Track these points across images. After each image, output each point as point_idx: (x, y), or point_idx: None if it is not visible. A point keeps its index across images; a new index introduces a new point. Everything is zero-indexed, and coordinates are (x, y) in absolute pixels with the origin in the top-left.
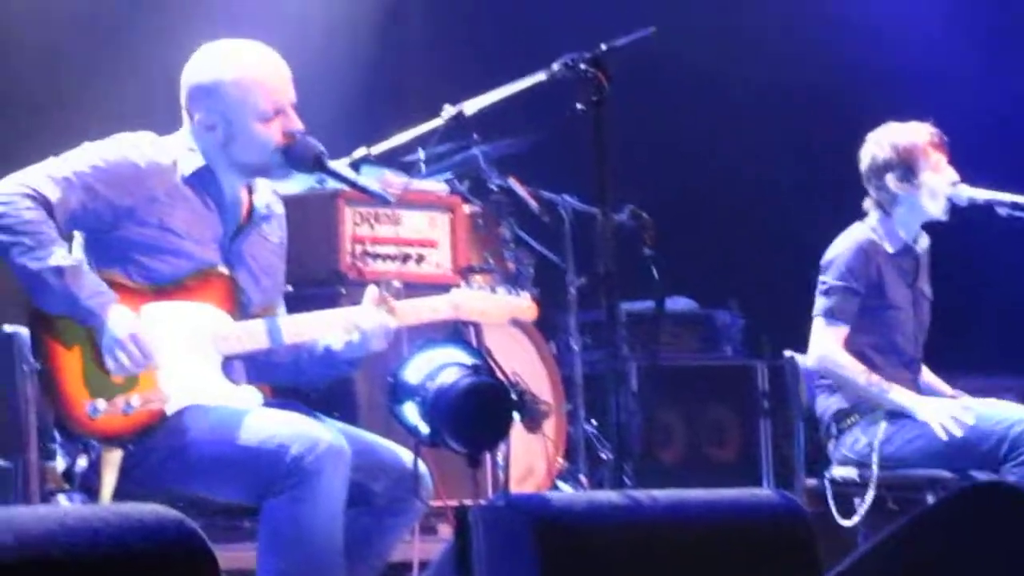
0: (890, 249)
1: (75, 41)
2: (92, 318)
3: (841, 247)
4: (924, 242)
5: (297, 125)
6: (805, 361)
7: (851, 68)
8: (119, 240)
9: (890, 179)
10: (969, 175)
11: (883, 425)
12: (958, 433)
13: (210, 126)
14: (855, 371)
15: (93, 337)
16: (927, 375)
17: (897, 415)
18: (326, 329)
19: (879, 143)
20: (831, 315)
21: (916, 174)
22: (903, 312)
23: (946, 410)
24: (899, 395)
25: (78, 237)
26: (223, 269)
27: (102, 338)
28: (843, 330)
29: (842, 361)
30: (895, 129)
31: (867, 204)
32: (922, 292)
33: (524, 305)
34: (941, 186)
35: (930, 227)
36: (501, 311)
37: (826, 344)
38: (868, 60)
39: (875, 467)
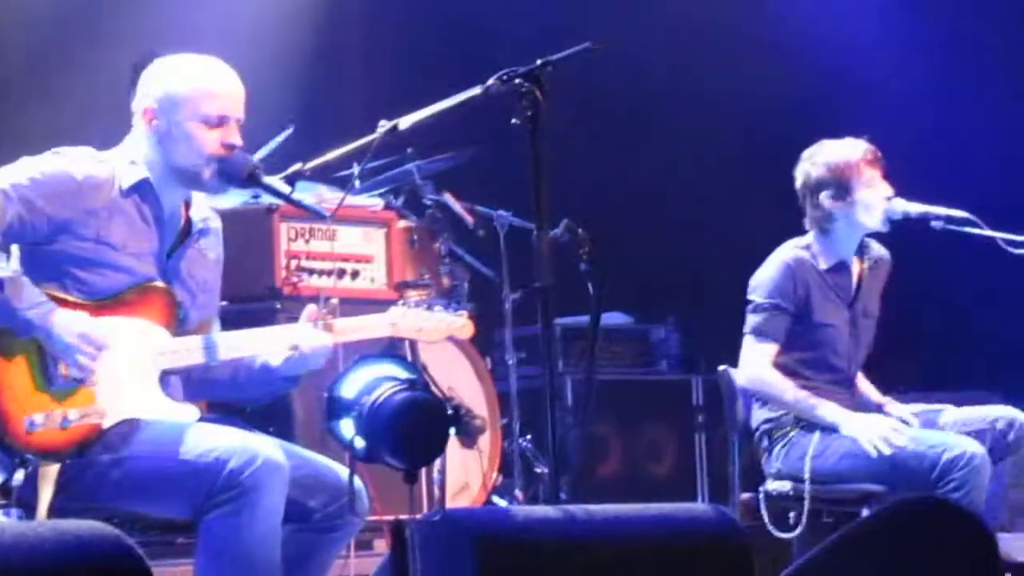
0: (823, 266)
1: (16, 54)
2: (33, 329)
3: (767, 268)
4: (872, 256)
5: (237, 140)
6: (737, 377)
7: (792, 83)
8: (56, 254)
9: (824, 197)
10: (908, 188)
11: (815, 439)
12: (886, 451)
13: (153, 118)
14: (782, 387)
15: (35, 348)
16: (864, 386)
17: (828, 429)
18: (263, 346)
19: (812, 162)
20: (759, 333)
21: (850, 192)
22: (835, 329)
23: (876, 428)
24: (827, 410)
25: (15, 251)
26: (161, 283)
27: (52, 346)
28: (772, 347)
29: (769, 378)
30: (828, 147)
31: (807, 222)
32: (863, 310)
33: (460, 323)
34: (875, 201)
35: (883, 243)
36: (438, 329)
37: (755, 361)
38: (810, 75)
39: (807, 480)
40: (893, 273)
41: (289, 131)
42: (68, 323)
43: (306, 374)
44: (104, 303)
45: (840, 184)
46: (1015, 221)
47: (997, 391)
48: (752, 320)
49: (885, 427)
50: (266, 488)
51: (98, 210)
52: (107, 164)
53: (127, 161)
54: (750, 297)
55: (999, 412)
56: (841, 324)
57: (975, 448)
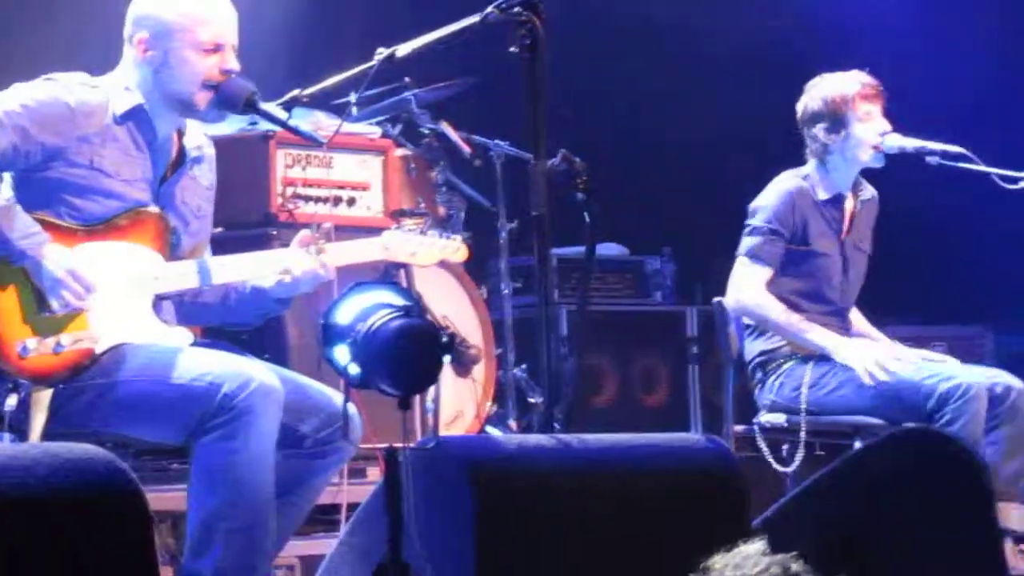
0: (821, 197)
1: None
2: (25, 259)
3: (769, 193)
4: (867, 195)
5: (234, 65)
6: (726, 298)
7: (794, 19)
8: (50, 180)
9: (819, 130)
10: (911, 128)
11: (808, 369)
12: (883, 378)
13: (147, 48)
14: (774, 310)
15: (25, 277)
16: (859, 322)
17: (823, 359)
18: (256, 270)
19: (811, 94)
20: (754, 255)
21: (845, 125)
22: (830, 260)
23: (871, 354)
24: (818, 335)
25: (7, 178)
26: (154, 208)
27: (40, 278)
28: (765, 271)
29: (761, 300)
30: (827, 80)
31: (807, 153)
32: (856, 244)
33: (454, 246)
34: (869, 136)
35: (871, 180)
36: (431, 253)
37: (747, 283)
38: (811, 12)
39: (803, 411)
40: (884, 209)
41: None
42: (58, 257)
43: (300, 301)
44: (96, 228)
45: (835, 117)
46: (1009, 158)
47: (989, 325)
48: (748, 242)
49: (882, 353)
50: (260, 412)
51: (91, 136)
52: (100, 90)
53: (121, 87)
54: (748, 221)
55: (998, 375)
56: (835, 255)
57: (973, 378)
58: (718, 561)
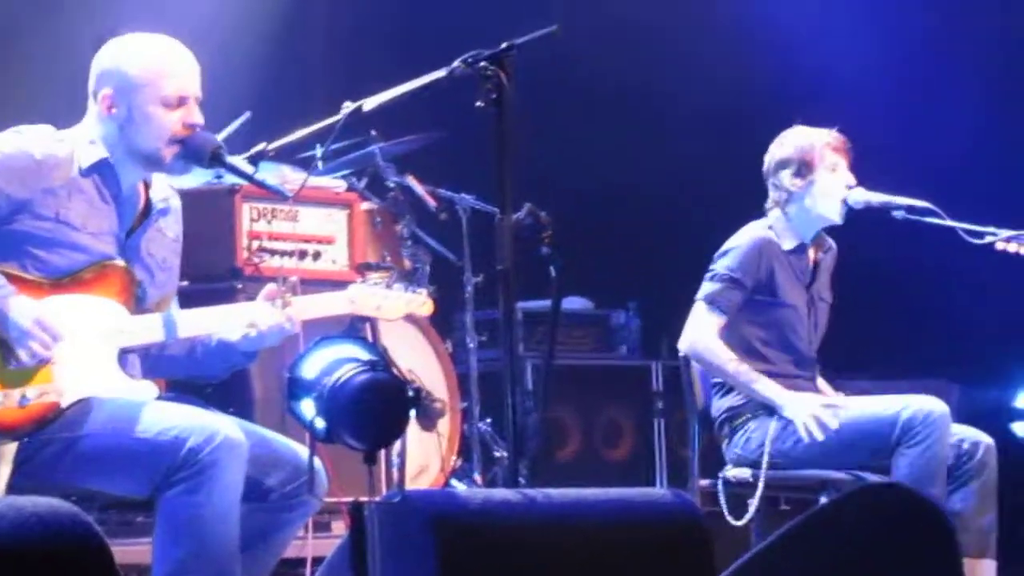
0: (786, 247)
1: None
2: None
3: (737, 241)
4: (826, 245)
5: (198, 119)
6: (680, 342)
7: (756, 72)
8: (15, 233)
9: (785, 176)
10: (876, 184)
11: (773, 424)
12: (819, 436)
13: (111, 104)
14: (724, 358)
15: None
16: (819, 381)
17: None
18: (222, 324)
19: (781, 142)
20: (711, 302)
21: (811, 171)
22: (797, 311)
23: (809, 409)
24: (765, 387)
25: None
26: (119, 262)
27: (7, 329)
28: (720, 319)
29: (713, 347)
30: (799, 130)
31: (768, 203)
32: (819, 295)
33: (420, 300)
34: (834, 188)
35: (831, 232)
36: (397, 306)
37: (701, 328)
38: (778, 69)
39: (764, 465)
40: (851, 260)
41: (246, 116)
42: (24, 309)
43: (266, 354)
44: (62, 281)
45: (802, 163)
46: (976, 212)
47: (954, 379)
48: (707, 288)
49: (818, 407)
50: (225, 466)
51: (57, 189)
52: (66, 143)
53: (86, 140)
54: (712, 266)
55: (965, 432)
56: (801, 305)
57: (933, 404)
58: None
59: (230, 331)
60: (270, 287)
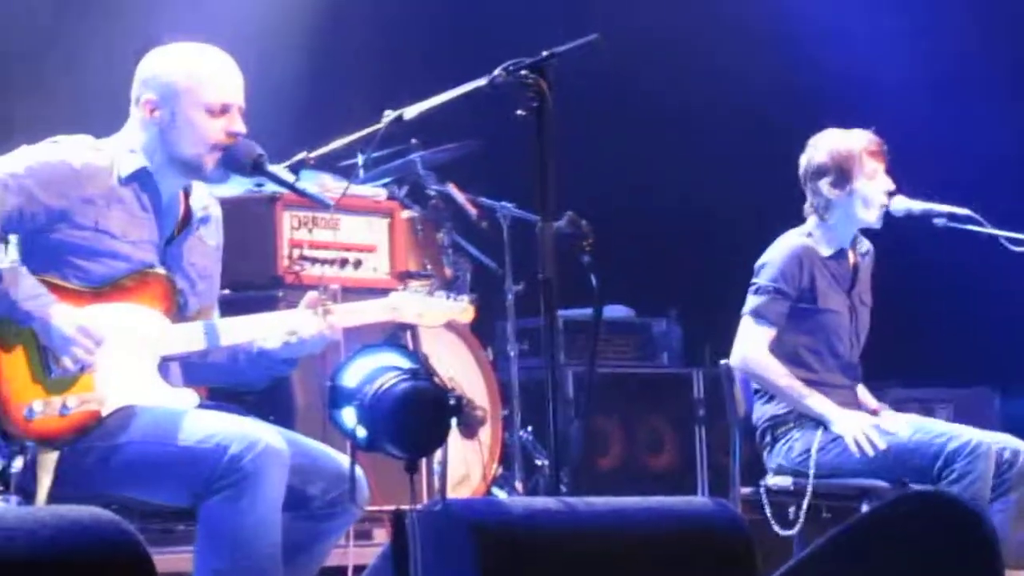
0: (825, 253)
1: (12, 42)
2: (31, 320)
3: (775, 251)
4: (864, 248)
5: (240, 128)
6: (731, 357)
7: (793, 75)
8: (55, 242)
9: (824, 184)
10: (910, 184)
11: (819, 434)
12: (870, 452)
13: (154, 108)
14: (776, 373)
15: (32, 338)
16: (859, 389)
17: None
18: (263, 332)
19: (816, 148)
20: (758, 315)
21: (850, 180)
22: (839, 316)
23: (861, 426)
24: (817, 403)
25: (13, 240)
26: (160, 270)
27: (49, 338)
28: (769, 331)
29: (764, 361)
30: (834, 135)
31: (806, 209)
32: (860, 299)
33: (461, 307)
34: (874, 195)
35: (871, 237)
36: (439, 314)
37: (751, 343)
38: (812, 68)
39: (811, 475)
40: (892, 266)
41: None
42: (66, 316)
43: (307, 362)
44: (102, 290)
45: (840, 172)
46: (1015, 219)
47: (995, 387)
48: (752, 301)
49: (868, 426)
50: (267, 474)
51: (96, 198)
52: (105, 152)
53: (126, 149)
54: (754, 280)
55: (1005, 440)
56: (843, 310)
57: (979, 436)
58: None
59: (271, 339)
60: (311, 295)
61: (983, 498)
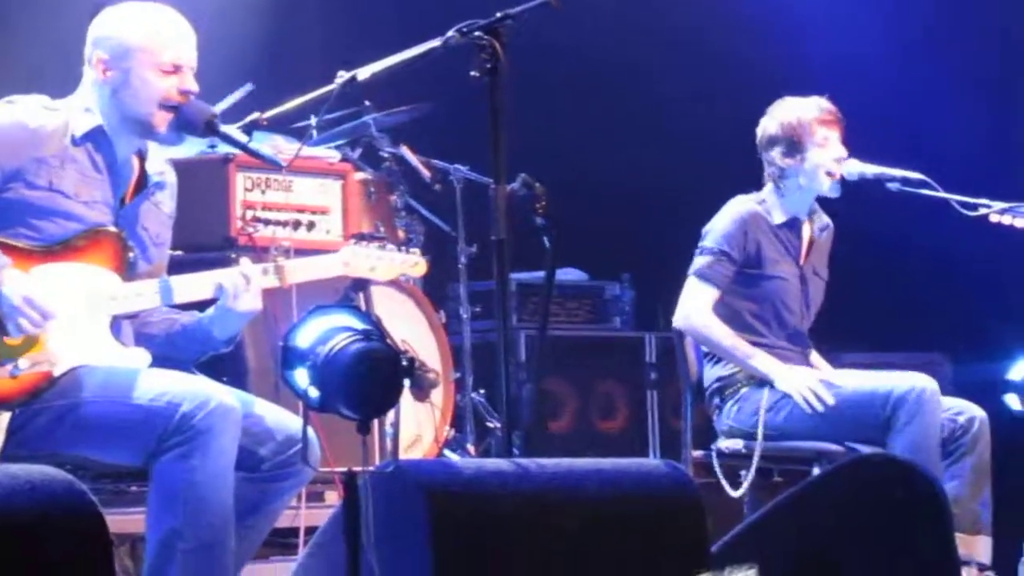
0: (777, 220)
1: None
2: None
3: (722, 215)
4: (823, 222)
5: (193, 86)
6: (675, 318)
7: (755, 45)
8: (9, 201)
9: (776, 154)
10: (866, 151)
11: (766, 393)
12: (819, 407)
13: (106, 68)
14: (720, 333)
15: None
16: (814, 357)
17: None
18: (216, 289)
19: (769, 117)
20: (702, 276)
21: (801, 150)
22: (787, 284)
23: (805, 381)
24: (761, 362)
25: None
26: (112, 228)
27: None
28: (713, 292)
29: (708, 321)
30: (787, 104)
31: (764, 177)
32: (813, 270)
33: (413, 260)
34: (825, 162)
35: (824, 203)
36: (390, 267)
37: (695, 303)
38: (771, 39)
39: (760, 436)
40: (845, 233)
41: (248, 88)
42: (16, 284)
43: (260, 323)
44: (54, 249)
45: (792, 141)
46: (970, 186)
47: (947, 353)
48: (698, 263)
49: (814, 381)
50: (219, 431)
51: (50, 158)
52: (60, 113)
53: (81, 109)
54: (701, 242)
55: (959, 405)
56: (792, 279)
57: (923, 381)
58: None
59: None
60: (245, 261)
61: (934, 444)
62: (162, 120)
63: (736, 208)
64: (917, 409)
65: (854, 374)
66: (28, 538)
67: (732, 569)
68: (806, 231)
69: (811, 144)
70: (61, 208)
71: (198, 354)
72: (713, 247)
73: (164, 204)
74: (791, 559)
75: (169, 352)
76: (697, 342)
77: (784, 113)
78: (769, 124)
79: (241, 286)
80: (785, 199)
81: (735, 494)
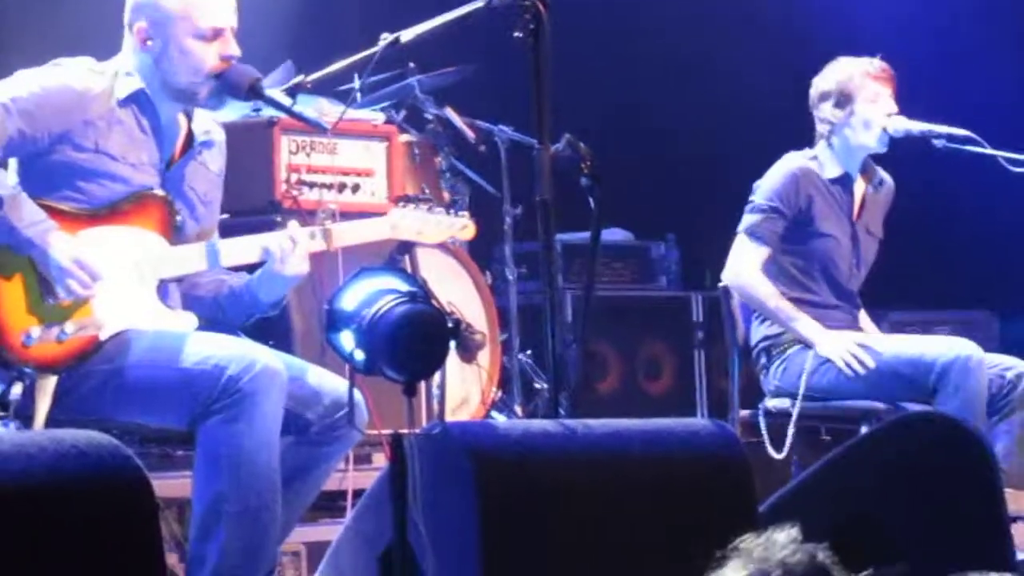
0: (828, 176)
1: None
2: (32, 248)
3: (774, 171)
4: (879, 179)
5: (235, 51)
6: (724, 274)
7: (803, 5)
8: (55, 164)
9: (826, 107)
10: (913, 109)
11: (810, 355)
12: (860, 370)
13: (147, 38)
14: (766, 293)
15: (30, 266)
16: (863, 319)
17: None
18: (263, 253)
19: (824, 74)
20: (752, 233)
21: (851, 102)
22: (838, 241)
23: (846, 346)
24: (803, 326)
25: (13, 163)
26: (159, 192)
27: (47, 267)
28: (763, 250)
29: (755, 280)
30: (841, 62)
31: (816, 135)
32: (866, 228)
33: (462, 224)
34: (875, 116)
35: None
36: (438, 230)
37: (744, 261)
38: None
39: (800, 397)
40: (896, 196)
41: (288, 66)
42: (64, 246)
43: (306, 287)
44: (101, 212)
45: (842, 94)
46: (1017, 142)
47: (995, 310)
48: (748, 220)
49: (854, 346)
50: (265, 394)
51: (96, 120)
52: (105, 75)
53: (123, 72)
54: (752, 198)
55: (1007, 362)
56: (842, 236)
57: (970, 349)
58: (748, 541)
59: (273, 260)
60: (293, 223)
61: (980, 411)
62: (205, 89)
63: (788, 164)
64: (963, 377)
65: (896, 339)
66: (76, 503)
67: (774, 528)
68: (859, 188)
69: (862, 98)
70: (108, 170)
71: (245, 317)
72: (763, 204)
73: (212, 163)
74: (834, 520)
75: (217, 315)
76: (744, 299)
77: (838, 69)
78: (822, 80)
79: (288, 249)
80: (836, 154)
81: (777, 456)
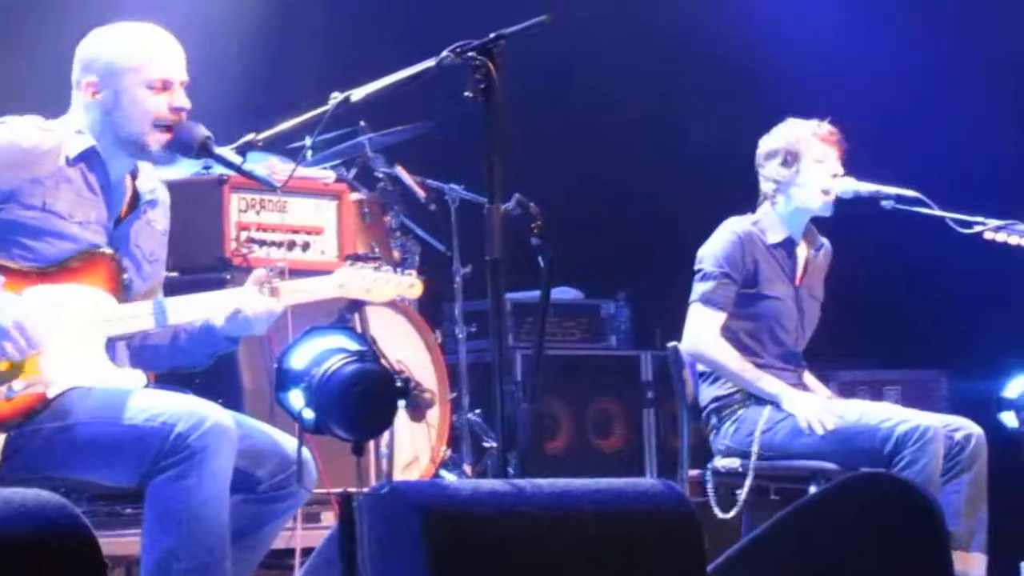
0: (771, 240)
1: None
2: None
3: (718, 237)
4: (817, 242)
5: (184, 103)
6: (682, 343)
7: (751, 66)
8: (2, 222)
9: (772, 166)
10: (865, 174)
11: (765, 413)
12: (820, 431)
13: (96, 91)
14: (728, 356)
15: None
16: (808, 378)
17: (779, 405)
18: (210, 311)
19: (772, 133)
20: (708, 300)
21: (798, 160)
22: (783, 304)
23: (815, 407)
24: (768, 384)
25: None
26: (107, 250)
27: None
28: (720, 316)
29: (716, 347)
30: (790, 122)
31: (760, 196)
32: (810, 291)
33: (409, 282)
34: (820, 177)
35: (821, 226)
36: (387, 289)
37: (702, 328)
38: (769, 61)
39: (754, 454)
40: (841, 251)
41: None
42: (10, 307)
43: (254, 345)
44: (49, 270)
45: (789, 153)
46: (965, 203)
47: (943, 370)
48: (700, 288)
49: (821, 407)
50: (214, 451)
51: (44, 179)
52: (53, 133)
53: (73, 130)
54: (699, 266)
55: (957, 422)
56: (787, 299)
57: (928, 420)
58: None
59: (218, 318)
60: (258, 272)
61: (934, 483)
62: (155, 140)
63: (731, 228)
64: (921, 451)
65: (859, 404)
66: (22, 563)
67: None
68: (802, 252)
69: (808, 157)
70: (55, 229)
71: (205, 357)
72: (714, 271)
73: (157, 222)
74: None
75: (175, 360)
76: (705, 366)
77: (786, 129)
78: (770, 139)
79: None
80: (780, 217)
81: (724, 516)
